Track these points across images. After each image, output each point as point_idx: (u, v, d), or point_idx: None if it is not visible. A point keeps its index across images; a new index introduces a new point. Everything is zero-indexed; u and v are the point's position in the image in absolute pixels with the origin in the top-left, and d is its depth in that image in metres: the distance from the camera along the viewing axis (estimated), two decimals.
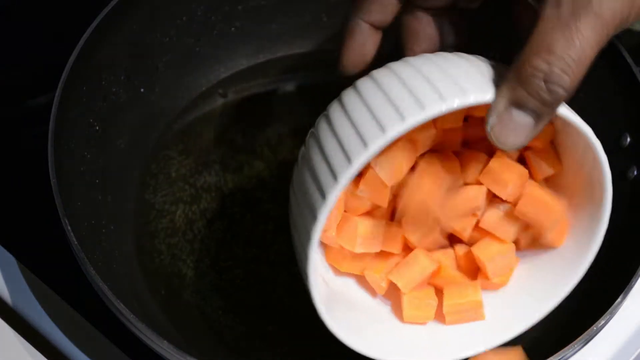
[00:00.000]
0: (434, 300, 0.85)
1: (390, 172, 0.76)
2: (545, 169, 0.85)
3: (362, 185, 0.78)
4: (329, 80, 1.17)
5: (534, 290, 0.88)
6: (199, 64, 1.15)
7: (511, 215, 0.83)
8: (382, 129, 0.70)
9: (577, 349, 0.85)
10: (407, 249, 0.85)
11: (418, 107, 0.70)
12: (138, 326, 0.83)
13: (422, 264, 0.83)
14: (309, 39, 1.19)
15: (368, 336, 0.81)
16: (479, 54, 0.80)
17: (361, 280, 0.86)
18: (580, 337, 0.85)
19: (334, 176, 0.71)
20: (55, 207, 0.87)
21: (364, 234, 0.80)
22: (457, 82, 0.72)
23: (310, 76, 1.18)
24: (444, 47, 0.86)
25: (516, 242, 0.86)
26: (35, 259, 1.00)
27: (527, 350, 0.97)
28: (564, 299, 1.00)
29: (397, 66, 0.76)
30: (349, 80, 0.79)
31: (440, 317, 0.86)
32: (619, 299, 0.87)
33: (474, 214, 0.83)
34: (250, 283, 1.01)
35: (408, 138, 0.76)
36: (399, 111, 0.70)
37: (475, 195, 0.81)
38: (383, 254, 0.83)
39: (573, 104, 1.10)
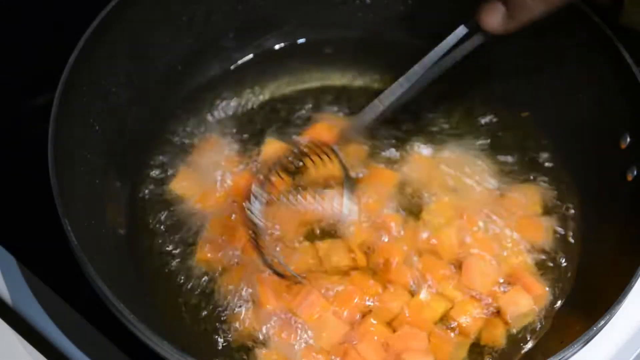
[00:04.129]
0: None
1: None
2: None
3: None
4: (327, 83, 1.18)
5: None
6: (198, 64, 1.16)
7: None
8: None
9: (577, 349, 0.85)
10: None
11: None
12: (138, 326, 0.83)
13: None
14: (307, 39, 1.20)
15: None
16: None
17: None
18: (580, 337, 0.85)
19: None
20: (55, 207, 0.87)
21: None
22: None
23: (309, 77, 1.18)
24: None
25: None
26: (35, 259, 0.99)
27: (528, 350, 0.97)
28: (564, 300, 1.01)
29: None
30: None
31: None
32: (619, 299, 0.87)
33: None
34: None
35: None
36: None
37: None
38: None
39: (574, 104, 1.10)
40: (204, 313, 0.99)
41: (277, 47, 1.19)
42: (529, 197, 1.08)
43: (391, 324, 0.98)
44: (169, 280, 1.01)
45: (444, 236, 1.02)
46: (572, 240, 1.05)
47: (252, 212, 0.94)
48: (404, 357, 0.95)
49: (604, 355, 0.98)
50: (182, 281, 1.01)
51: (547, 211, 1.07)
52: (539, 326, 0.99)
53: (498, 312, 0.99)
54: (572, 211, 1.07)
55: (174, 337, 0.94)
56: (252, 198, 0.95)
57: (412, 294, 0.99)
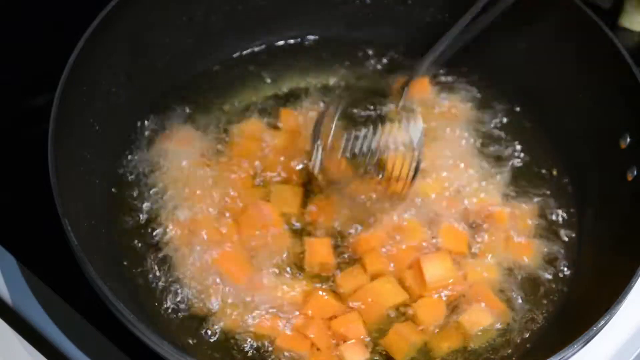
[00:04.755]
0: None
1: None
2: None
3: None
4: (327, 82, 1.18)
5: None
6: (198, 65, 1.16)
7: None
8: None
9: (577, 349, 0.85)
10: None
11: None
12: (138, 326, 0.83)
13: None
14: (307, 39, 1.20)
15: None
16: None
17: None
18: (580, 337, 0.85)
19: None
20: (55, 207, 0.87)
21: None
22: None
23: (309, 76, 1.18)
24: None
25: None
26: (35, 259, 0.99)
27: (528, 350, 0.97)
28: (564, 300, 1.00)
29: None
30: None
31: None
32: (618, 299, 0.87)
33: None
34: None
35: None
36: None
37: None
38: None
39: (574, 104, 1.10)
40: (206, 312, 0.99)
41: (276, 46, 1.19)
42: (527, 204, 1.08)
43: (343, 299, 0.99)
44: (170, 279, 1.01)
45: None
46: (572, 241, 1.05)
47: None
48: (341, 349, 0.95)
49: (604, 355, 0.98)
50: (183, 279, 1.01)
51: (547, 212, 1.07)
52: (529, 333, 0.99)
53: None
54: (572, 211, 1.07)
55: (174, 337, 0.94)
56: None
57: (373, 278, 1.00)
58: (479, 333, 0.98)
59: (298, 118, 1.13)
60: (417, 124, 1.00)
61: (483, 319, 0.98)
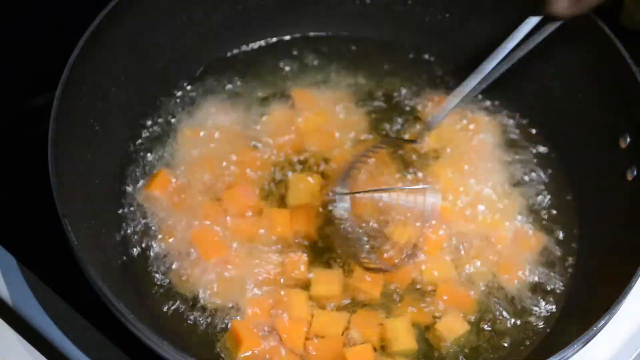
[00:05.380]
0: None
1: None
2: None
3: None
4: (327, 83, 1.18)
5: None
6: (198, 64, 1.16)
7: None
8: None
9: (577, 349, 0.85)
10: None
11: None
12: (138, 326, 0.83)
13: None
14: (307, 39, 1.20)
15: None
16: None
17: None
18: (580, 337, 0.85)
19: None
20: (55, 207, 0.87)
21: None
22: None
23: (308, 76, 1.18)
24: None
25: None
26: (35, 259, 1.00)
27: (529, 350, 0.97)
28: (564, 300, 1.01)
29: None
30: None
31: None
32: (619, 299, 0.87)
33: None
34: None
35: None
36: None
37: None
38: None
39: (574, 104, 1.10)
40: (202, 312, 0.99)
41: (276, 46, 1.20)
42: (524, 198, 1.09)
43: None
44: (170, 279, 1.01)
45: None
46: (572, 241, 1.05)
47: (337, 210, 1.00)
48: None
49: (604, 355, 0.98)
50: (182, 279, 1.01)
51: (546, 212, 1.07)
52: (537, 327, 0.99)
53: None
54: (572, 211, 1.07)
55: (174, 337, 0.94)
56: (337, 198, 1.00)
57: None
58: (478, 333, 0.98)
59: (312, 97, 1.14)
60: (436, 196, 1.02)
61: (460, 326, 0.98)
